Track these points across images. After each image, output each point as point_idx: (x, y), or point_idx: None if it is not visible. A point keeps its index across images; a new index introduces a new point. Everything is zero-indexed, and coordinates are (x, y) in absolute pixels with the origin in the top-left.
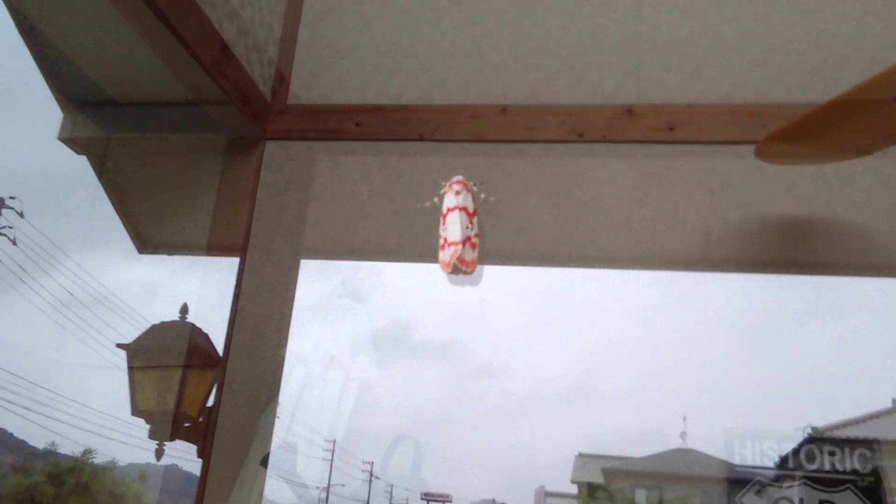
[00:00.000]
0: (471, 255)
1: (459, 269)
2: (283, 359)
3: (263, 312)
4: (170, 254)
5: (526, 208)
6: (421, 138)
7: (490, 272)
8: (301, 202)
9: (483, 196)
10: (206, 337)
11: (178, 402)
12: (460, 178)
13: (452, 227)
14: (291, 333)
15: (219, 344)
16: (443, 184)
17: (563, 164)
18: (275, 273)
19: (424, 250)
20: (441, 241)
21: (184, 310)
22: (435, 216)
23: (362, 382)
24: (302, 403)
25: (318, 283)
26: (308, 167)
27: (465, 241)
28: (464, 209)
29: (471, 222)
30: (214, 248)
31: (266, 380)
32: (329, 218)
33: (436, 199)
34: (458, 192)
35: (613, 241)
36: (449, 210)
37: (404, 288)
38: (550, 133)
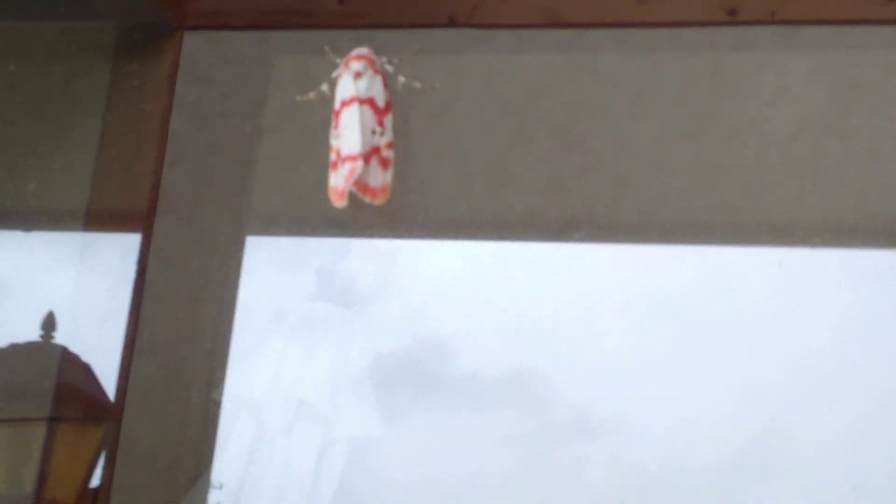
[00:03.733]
0: (379, 176)
1: (361, 199)
2: (217, 404)
3: (184, 327)
4: (24, 229)
5: (636, 140)
6: (452, 23)
7: (585, 253)
8: (246, 139)
9: (402, 80)
10: (86, 370)
11: (41, 480)
12: (364, 51)
13: (348, 132)
14: (232, 362)
15: (109, 380)
16: (336, 60)
17: (696, 65)
18: (202, 259)
19: (467, 219)
20: (332, 156)
21: (48, 323)
22: (322, 115)
23: (356, 445)
24: (251, 483)
25: (277, 274)
26: (258, 77)
27: (371, 153)
28: (368, 101)
29: (380, 123)
30: (99, 219)
31: (190, 441)
32: (294, 165)
33: (324, 87)
34: (358, 74)
35: (791, 197)
36: (343, 104)
37: (434, 282)
38: (678, 10)
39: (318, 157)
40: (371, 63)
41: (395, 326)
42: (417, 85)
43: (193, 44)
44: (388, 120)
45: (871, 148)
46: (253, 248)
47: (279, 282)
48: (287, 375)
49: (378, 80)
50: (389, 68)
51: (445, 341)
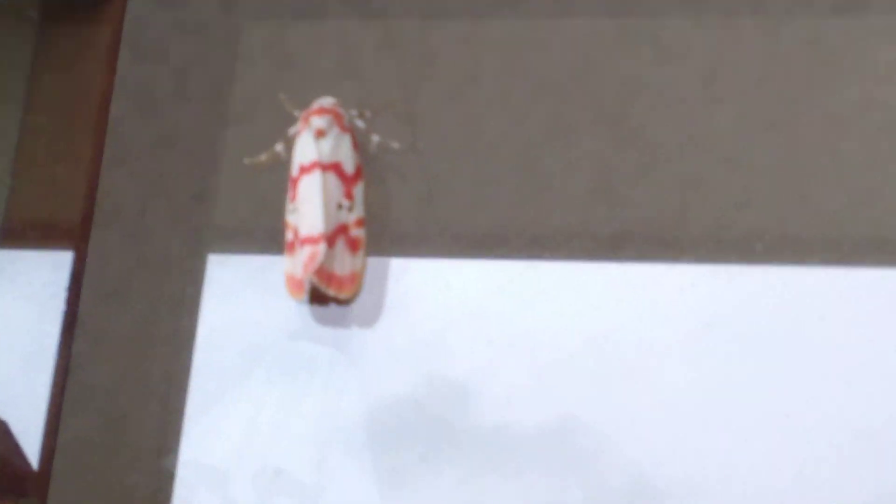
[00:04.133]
0: (347, 262)
1: (325, 291)
2: (170, 475)
3: (128, 372)
4: None
5: (709, 131)
6: None
7: (640, 274)
8: (207, 130)
9: (376, 139)
10: (1, 428)
11: None
12: (328, 102)
13: (308, 206)
14: (189, 418)
15: (31, 441)
16: (294, 113)
17: (787, 35)
18: (151, 284)
19: (490, 232)
20: (288, 236)
21: None
22: (275, 183)
23: None
24: None
25: (247, 303)
26: (223, 51)
27: (337, 233)
28: (333, 167)
29: (348, 195)
30: (18, 232)
31: None
32: (268, 164)
33: (278, 148)
34: (320, 133)
35: None
36: (302, 170)
37: (450, 311)
38: None
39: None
40: (337, 118)
41: (399, 368)
42: (396, 145)
43: (141, 7)
44: (359, 190)
45: None
46: (216, 270)
47: (250, 313)
48: (261, 435)
49: (346, 140)
50: (360, 124)
51: (464, 385)
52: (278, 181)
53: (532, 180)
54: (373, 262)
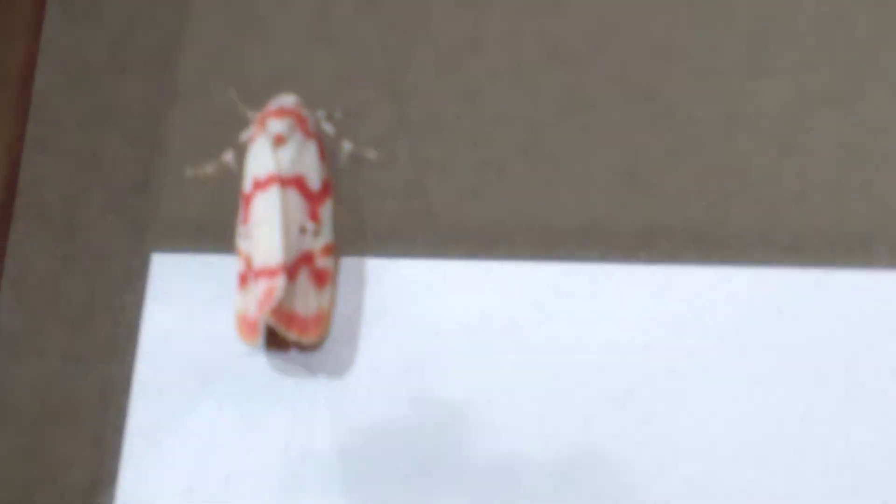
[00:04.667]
0: (312, 299)
1: (285, 335)
2: None
3: (54, 392)
4: None
5: (755, 105)
6: None
7: (673, 276)
8: (150, 103)
9: (348, 147)
10: None
11: None
12: (289, 101)
13: (264, 229)
14: (128, 448)
15: None
16: (248, 114)
17: None
18: (84, 288)
19: (492, 228)
20: (239, 266)
21: None
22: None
23: None
24: None
25: (198, 310)
26: (172, 6)
27: (299, 264)
28: (294, 181)
29: (313, 216)
30: None
31: None
32: (223, 143)
33: (227, 157)
34: (280, 139)
35: None
36: (257, 185)
37: (444, 320)
38: None
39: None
40: (300, 121)
41: (382, 387)
42: (371, 156)
43: None
44: (326, 210)
45: None
46: (161, 270)
47: (204, 322)
48: (215, 466)
49: (311, 148)
50: (328, 128)
51: (456, 407)
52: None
53: (542, 166)
54: (348, 262)
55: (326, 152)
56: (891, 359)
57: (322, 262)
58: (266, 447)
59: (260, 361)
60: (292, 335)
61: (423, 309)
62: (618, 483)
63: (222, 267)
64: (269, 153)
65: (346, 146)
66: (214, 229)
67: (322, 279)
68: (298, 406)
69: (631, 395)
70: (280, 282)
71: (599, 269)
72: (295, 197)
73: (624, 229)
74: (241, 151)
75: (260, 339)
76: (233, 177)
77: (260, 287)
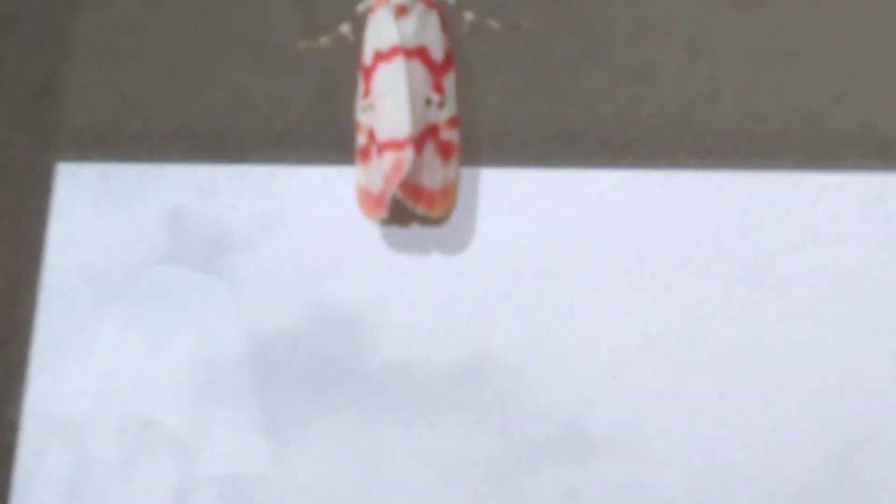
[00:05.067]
0: (439, 172)
1: (412, 209)
2: (13, 426)
3: None
4: None
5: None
6: None
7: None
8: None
9: (469, 16)
10: None
11: None
12: None
13: (389, 103)
14: (36, 360)
15: None
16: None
17: None
18: None
19: None
20: (360, 140)
21: None
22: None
23: (232, 486)
24: None
25: (106, 222)
26: None
27: (425, 136)
28: (418, 52)
29: (437, 87)
30: None
31: None
32: (137, 41)
33: (344, 29)
34: (402, 10)
35: None
36: (379, 57)
37: (355, 229)
38: None
39: (181, 29)
40: None
41: (288, 297)
42: (495, 25)
43: None
44: (450, 81)
45: None
46: (68, 182)
47: (110, 234)
48: (123, 379)
49: (432, 18)
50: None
51: (362, 315)
52: (156, 69)
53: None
54: (267, 172)
55: (448, 22)
56: (800, 258)
57: (447, 134)
58: (173, 358)
59: (166, 274)
60: (420, 209)
61: (322, 213)
62: (516, 390)
63: (130, 177)
64: (391, 24)
65: (468, 16)
66: (123, 138)
67: (447, 151)
68: (205, 316)
69: (534, 305)
70: (408, 154)
71: (509, 172)
72: (419, 68)
73: (529, 135)
74: (356, 22)
75: (385, 212)
76: (346, 53)
77: (387, 160)
